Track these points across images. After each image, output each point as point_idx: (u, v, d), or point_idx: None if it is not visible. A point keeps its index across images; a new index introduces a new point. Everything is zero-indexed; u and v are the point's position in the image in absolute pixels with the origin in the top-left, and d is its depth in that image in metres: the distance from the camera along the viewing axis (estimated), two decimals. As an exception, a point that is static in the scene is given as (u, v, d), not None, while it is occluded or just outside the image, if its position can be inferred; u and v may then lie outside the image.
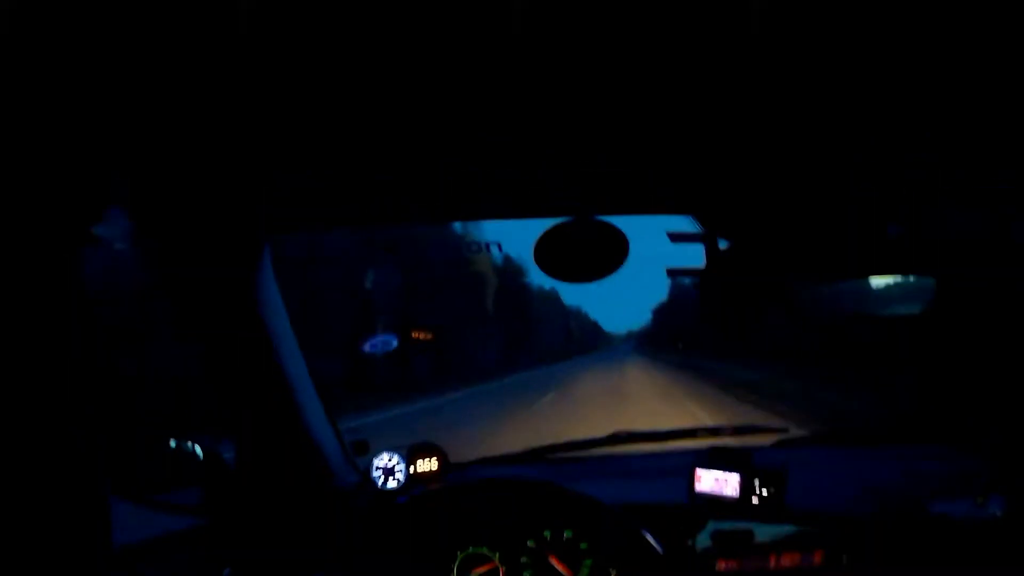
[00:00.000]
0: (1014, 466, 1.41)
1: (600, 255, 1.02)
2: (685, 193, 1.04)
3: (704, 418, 9.31)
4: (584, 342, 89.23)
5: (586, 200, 1.04)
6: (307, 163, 0.93)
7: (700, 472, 1.35)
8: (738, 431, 1.87)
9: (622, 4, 0.55)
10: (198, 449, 1.30)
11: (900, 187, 1.03)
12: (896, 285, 1.14)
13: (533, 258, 1.05)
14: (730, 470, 1.32)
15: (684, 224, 1.04)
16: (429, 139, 0.85)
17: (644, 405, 12.07)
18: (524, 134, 0.84)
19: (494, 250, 1.31)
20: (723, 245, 1.04)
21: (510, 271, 37.34)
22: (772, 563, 1.29)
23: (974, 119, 0.81)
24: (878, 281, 1.14)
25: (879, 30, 0.60)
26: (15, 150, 0.65)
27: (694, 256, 1.06)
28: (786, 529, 1.31)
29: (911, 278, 1.13)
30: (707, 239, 1.03)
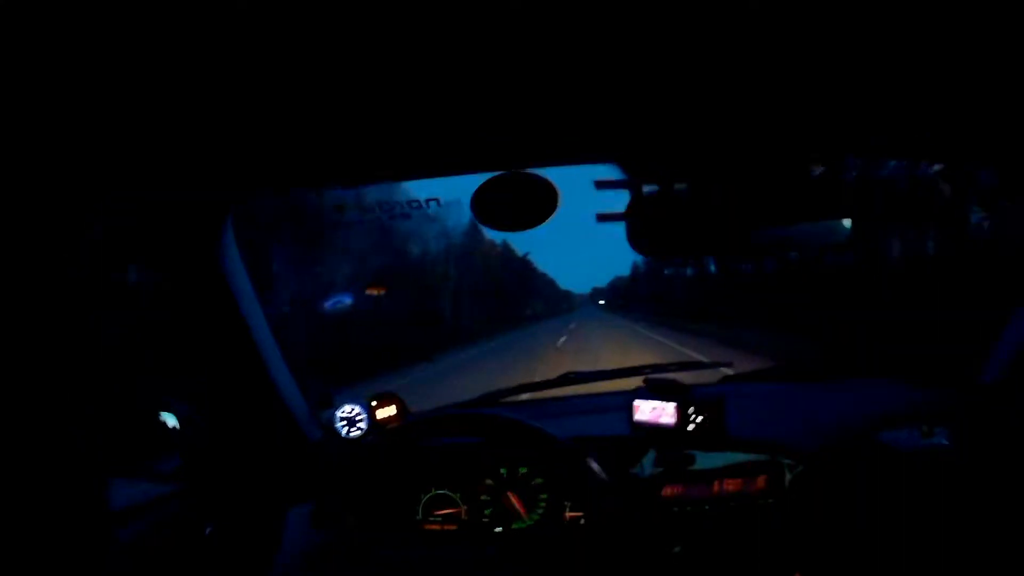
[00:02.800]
0: (960, 396, 1.47)
1: (532, 204, 1.08)
2: (609, 140, 1.08)
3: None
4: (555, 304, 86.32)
5: (518, 153, 1.09)
6: (262, 129, 0.94)
7: (638, 403, 1.41)
8: (683, 367, 1.88)
9: None
10: (172, 418, 1.32)
11: (819, 129, 1.08)
12: (820, 226, 1.18)
13: (471, 209, 1.10)
14: (666, 399, 1.37)
15: (609, 172, 1.10)
16: (369, 99, 0.87)
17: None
18: (459, 90, 0.86)
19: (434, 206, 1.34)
20: (647, 190, 1.10)
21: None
22: (716, 488, 1.33)
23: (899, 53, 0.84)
24: (805, 224, 1.18)
25: None
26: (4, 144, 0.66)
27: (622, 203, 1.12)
28: (732, 458, 1.36)
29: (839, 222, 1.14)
30: (631, 184, 1.09)
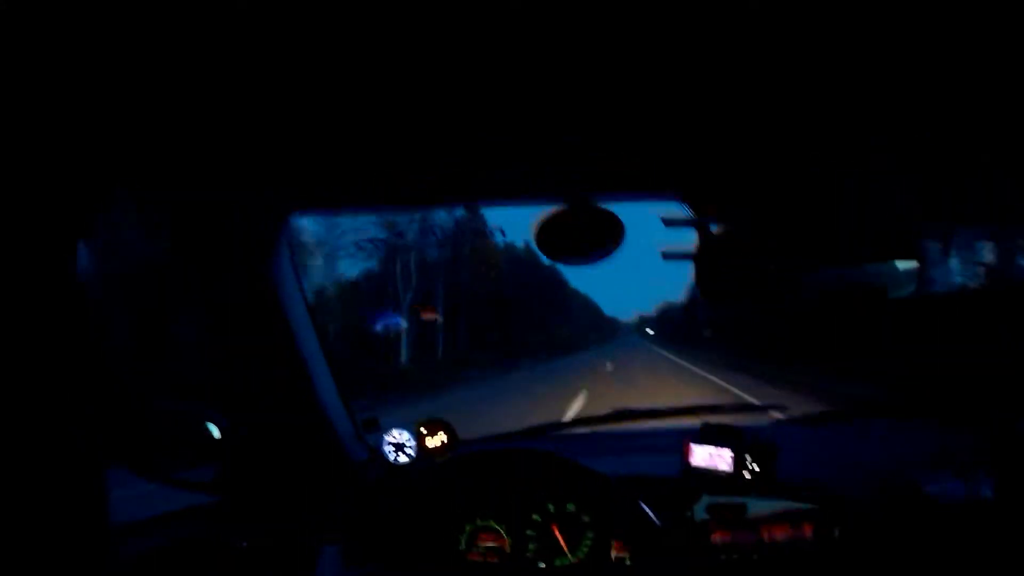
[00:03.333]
0: (1004, 448, 1.42)
1: (596, 238, 1.07)
2: (675, 176, 1.08)
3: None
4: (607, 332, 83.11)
5: (582, 185, 1.09)
6: (321, 147, 0.96)
7: (694, 447, 1.39)
8: (735, 409, 1.87)
9: None
10: (215, 428, 1.32)
11: (887, 171, 1.06)
12: (885, 269, 1.16)
13: (534, 241, 1.09)
14: (722, 445, 1.35)
15: (676, 209, 1.08)
16: (435, 127, 0.89)
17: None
18: (523, 121, 0.87)
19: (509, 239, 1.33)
20: (714, 228, 1.08)
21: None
22: (765, 536, 1.31)
23: (965, 102, 0.84)
24: (868, 266, 1.15)
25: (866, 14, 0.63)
26: (15, 141, 0.66)
27: (689, 241, 1.10)
28: (779, 504, 1.33)
29: (896, 262, 1.13)
30: (699, 223, 1.07)
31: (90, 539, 0.72)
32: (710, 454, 1.37)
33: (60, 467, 0.69)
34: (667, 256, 1.10)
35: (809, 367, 13.30)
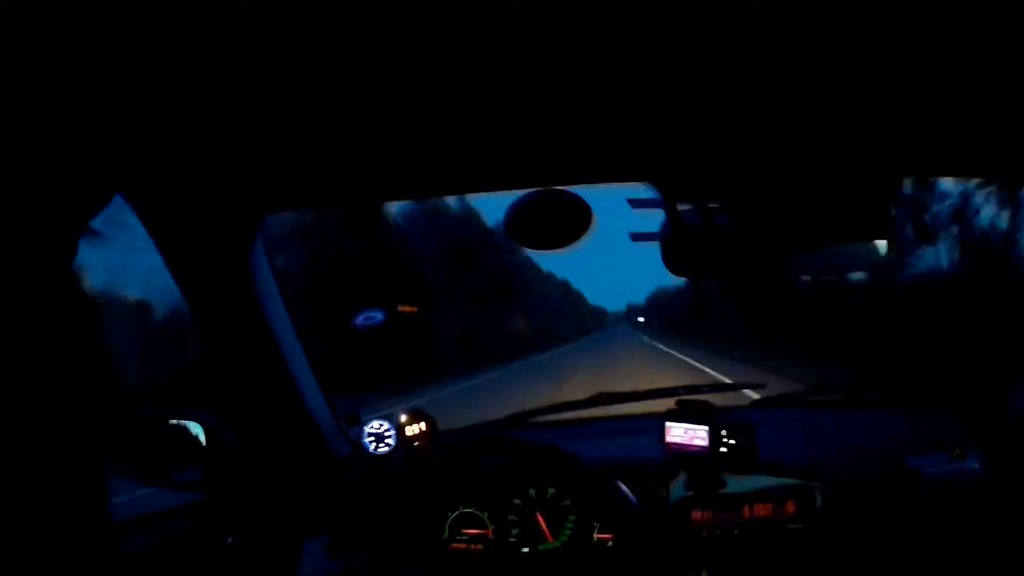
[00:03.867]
0: (991, 420, 1.42)
1: (565, 224, 1.08)
2: (647, 161, 1.08)
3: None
4: (591, 321, 78.98)
5: (552, 171, 1.09)
6: (295, 142, 0.96)
7: (669, 425, 1.39)
8: (715, 388, 1.88)
9: None
10: (199, 429, 1.33)
11: (857, 150, 1.07)
12: (861, 251, 1.16)
13: (504, 228, 1.10)
14: (698, 422, 1.35)
15: (645, 192, 1.09)
16: (408, 119, 0.89)
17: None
18: (497, 111, 0.88)
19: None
20: (683, 210, 1.09)
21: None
22: (745, 513, 1.31)
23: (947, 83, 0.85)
24: (844, 248, 1.16)
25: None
26: (9, 141, 0.66)
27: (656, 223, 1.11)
28: (759, 481, 1.34)
29: (874, 245, 1.15)
30: (668, 206, 1.08)
31: (92, 538, 0.73)
32: (685, 431, 1.37)
33: (62, 465, 0.69)
34: (635, 238, 1.11)
35: (790, 351, 13.40)
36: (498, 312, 28.54)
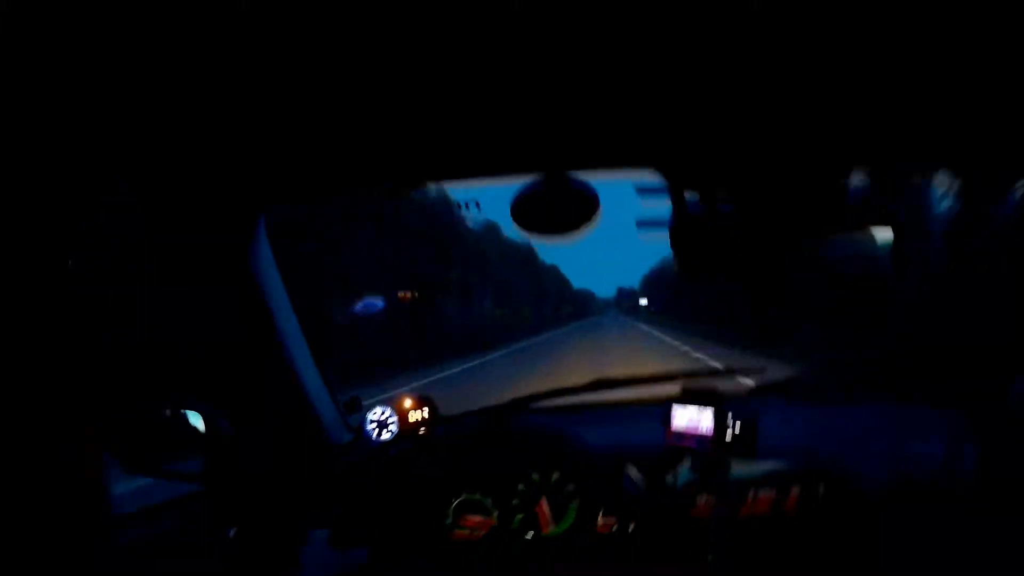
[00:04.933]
0: (987, 413, 1.42)
1: (571, 212, 1.06)
2: (654, 147, 1.07)
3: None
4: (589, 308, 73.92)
5: (561, 160, 1.08)
6: (294, 134, 0.96)
7: (676, 408, 1.38)
8: (715, 373, 1.87)
9: None
10: (199, 420, 1.32)
11: (862, 139, 1.07)
12: (864, 241, 1.16)
13: (511, 215, 1.09)
14: (704, 405, 1.35)
15: (652, 180, 1.08)
16: (410, 105, 0.88)
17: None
18: (500, 97, 0.87)
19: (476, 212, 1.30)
20: (691, 199, 1.08)
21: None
22: (750, 499, 1.32)
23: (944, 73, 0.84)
24: (848, 238, 1.16)
25: None
26: (9, 134, 0.66)
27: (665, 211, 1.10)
28: (764, 466, 1.34)
29: (876, 235, 1.15)
30: (674, 193, 1.07)
31: (89, 530, 0.73)
32: (691, 416, 1.37)
33: (61, 458, 0.69)
34: (642, 225, 1.10)
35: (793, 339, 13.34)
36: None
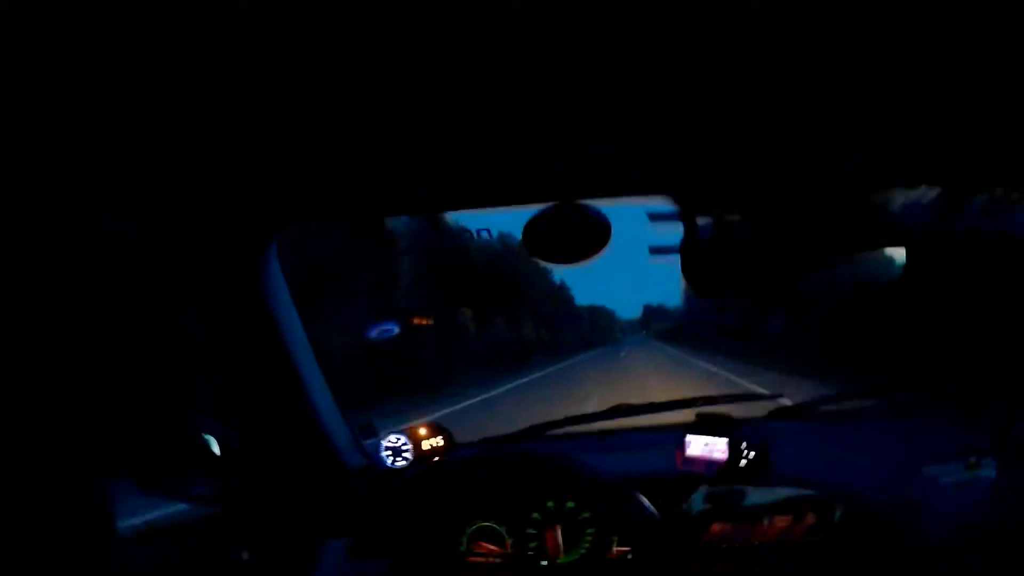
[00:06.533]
0: (1007, 431, 1.40)
1: (584, 236, 1.07)
2: (665, 173, 1.08)
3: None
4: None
5: (573, 187, 1.09)
6: (308, 157, 0.96)
7: (690, 438, 1.38)
8: (732, 399, 1.87)
9: None
10: (214, 443, 1.32)
11: (874, 165, 1.07)
12: (871, 259, 1.15)
13: (522, 242, 1.10)
14: (718, 435, 1.35)
15: (663, 206, 1.08)
16: (423, 133, 0.89)
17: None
18: (513, 126, 0.88)
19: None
20: (703, 223, 1.08)
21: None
22: (764, 525, 1.30)
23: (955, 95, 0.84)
24: (860, 257, 1.14)
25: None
26: (10, 143, 0.66)
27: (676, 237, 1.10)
28: (778, 492, 1.33)
29: (885, 251, 1.15)
30: (686, 219, 1.07)
31: (96, 550, 0.72)
32: (706, 444, 1.37)
33: (59, 475, 0.68)
34: (655, 251, 1.11)
35: (812, 359, 13.15)
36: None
